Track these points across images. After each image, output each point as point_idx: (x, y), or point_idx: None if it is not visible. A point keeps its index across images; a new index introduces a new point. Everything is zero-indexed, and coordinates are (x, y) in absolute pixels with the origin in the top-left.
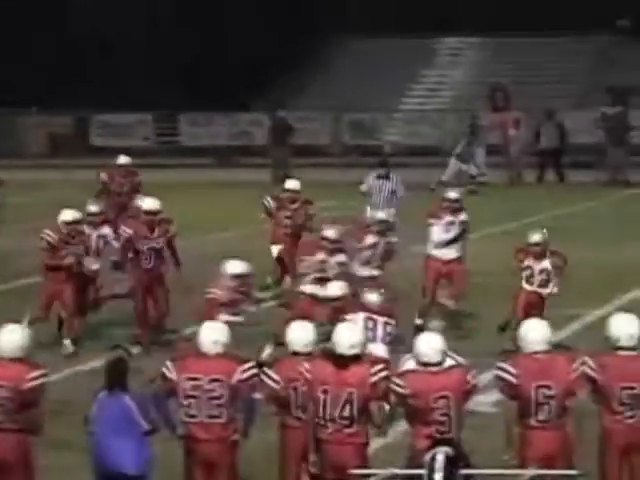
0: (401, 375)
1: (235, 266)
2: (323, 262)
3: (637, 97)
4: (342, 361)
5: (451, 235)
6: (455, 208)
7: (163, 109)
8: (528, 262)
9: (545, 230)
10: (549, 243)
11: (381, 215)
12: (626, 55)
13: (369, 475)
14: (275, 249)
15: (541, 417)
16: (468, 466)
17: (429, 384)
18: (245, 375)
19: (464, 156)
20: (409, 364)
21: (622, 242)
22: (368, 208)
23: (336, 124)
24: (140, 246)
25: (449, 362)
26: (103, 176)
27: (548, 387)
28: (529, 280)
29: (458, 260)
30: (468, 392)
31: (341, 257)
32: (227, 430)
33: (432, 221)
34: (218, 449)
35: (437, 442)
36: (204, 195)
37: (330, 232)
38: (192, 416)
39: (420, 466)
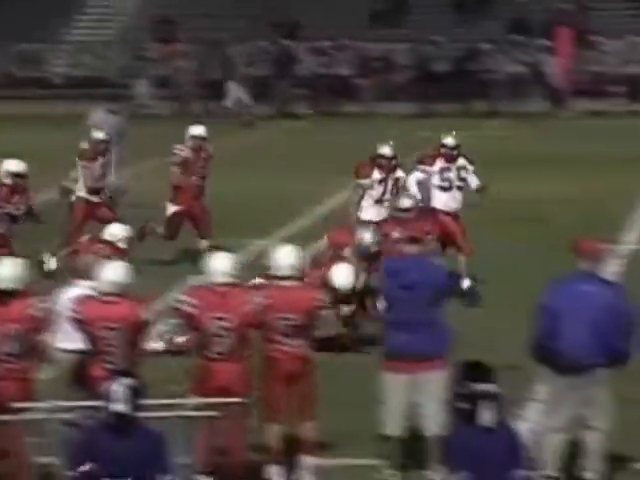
0: (77, 301)
1: None
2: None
3: (302, 31)
4: (2, 296)
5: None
6: (454, 155)
7: None
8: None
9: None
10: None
11: (387, 150)
12: None
13: (33, 408)
14: (173, 208)
15: (218, 349)
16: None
17: (100, 313)
18: None
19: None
20: (78, 291)
21: (286, 173)
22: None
23: (2, 55)
24: None
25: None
26: None
27: (224, 319)
28: None
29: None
30: (140, 326)
31: (399, 173)
32: None
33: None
34: None
35: (116, 373)
36: None
37: (386, 150)
38: None
39: (97, 395)
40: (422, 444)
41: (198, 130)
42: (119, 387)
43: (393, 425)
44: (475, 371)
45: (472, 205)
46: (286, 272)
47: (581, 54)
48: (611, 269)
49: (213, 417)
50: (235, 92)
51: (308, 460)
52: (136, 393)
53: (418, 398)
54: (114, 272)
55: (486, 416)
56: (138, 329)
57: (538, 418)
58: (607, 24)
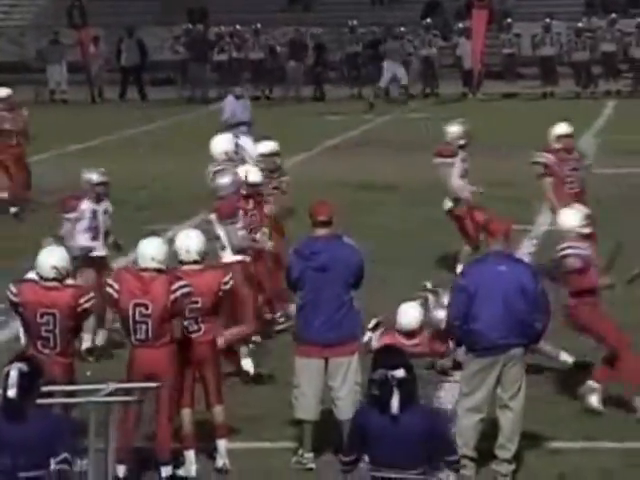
0: (16, 283)
1: None
2: None
3: (216, 15)
4: None
5: None
6: None
7: None
8: None
9: None
10: None
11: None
12: None
13: None
14: None
15: (139, 336)
16: (48, 382)
17: (39, 298)
18: None
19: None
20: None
21: (199, 156)
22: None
23: None
24: None
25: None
26: None
27: (145, 306)
28: None
29: None
30: (79, 313)
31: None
32: None
33: None
34: None
35: (15, 358)
36: None
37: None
38: None
39: None
40: (336, 427)
41: (562, 129)
42: (13, 372)
43: (307, 409)
44: (385, 357)
45: None
46: (186, 257)
47: (495, 36)
48: (525, 250)
49: (129, 402)
50: (391, 69)
51: (221, 444)
52: (29, 378)
53: (331, 382)
54: (55, 257)
55: (393, 402)
56: (78, 316)
57: (454, 399)
58: (521, 6)
